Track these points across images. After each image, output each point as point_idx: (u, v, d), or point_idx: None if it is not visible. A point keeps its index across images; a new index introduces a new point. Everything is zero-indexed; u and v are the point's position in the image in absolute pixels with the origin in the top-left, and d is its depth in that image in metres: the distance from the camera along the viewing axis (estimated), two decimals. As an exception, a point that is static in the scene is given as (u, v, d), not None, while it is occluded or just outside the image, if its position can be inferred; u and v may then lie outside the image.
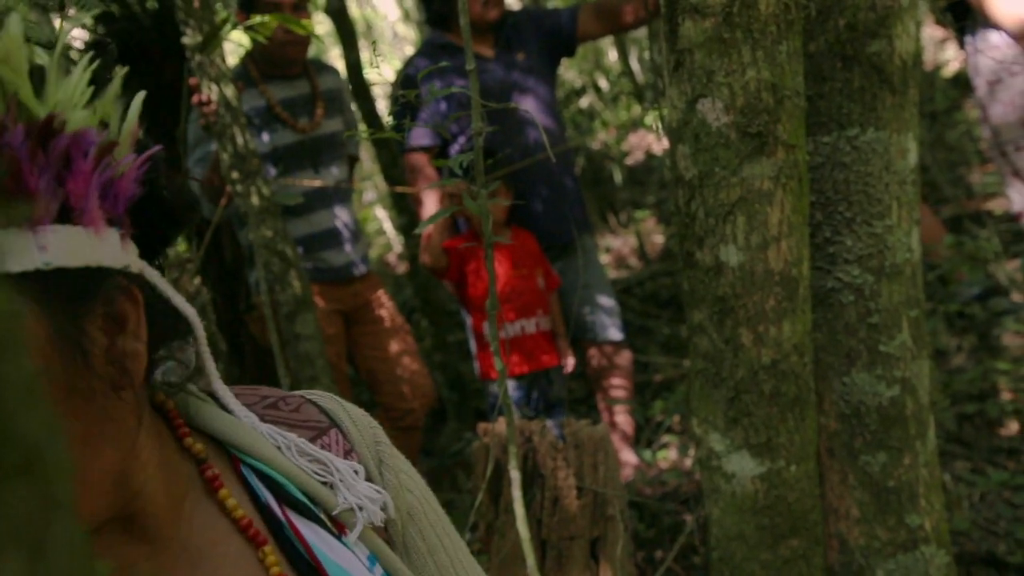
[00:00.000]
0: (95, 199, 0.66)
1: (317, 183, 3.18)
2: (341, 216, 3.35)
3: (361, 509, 0.82)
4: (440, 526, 0.92)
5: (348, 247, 3.35)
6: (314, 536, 0.79)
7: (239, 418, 0.81)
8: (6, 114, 0.61)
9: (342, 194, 3.37)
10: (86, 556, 0.30)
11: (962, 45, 4.13)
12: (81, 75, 0.66)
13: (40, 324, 0.62)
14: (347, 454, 0.86)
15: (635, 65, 6.79)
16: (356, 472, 0.84)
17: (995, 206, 4.79)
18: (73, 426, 0.63)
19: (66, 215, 0.65)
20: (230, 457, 0.80)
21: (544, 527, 1.90)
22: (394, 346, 3.43)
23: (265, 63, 3.30)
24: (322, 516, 0.81)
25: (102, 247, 0.67)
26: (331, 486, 0.82)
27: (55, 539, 0.28)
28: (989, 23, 3.78)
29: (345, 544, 0.80)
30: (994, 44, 3.82)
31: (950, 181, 5.23)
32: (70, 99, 0.65)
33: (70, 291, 0.64)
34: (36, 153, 0.62)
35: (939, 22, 4.29)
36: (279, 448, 0.81)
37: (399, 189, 4.16)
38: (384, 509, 0.84)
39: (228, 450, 0.80)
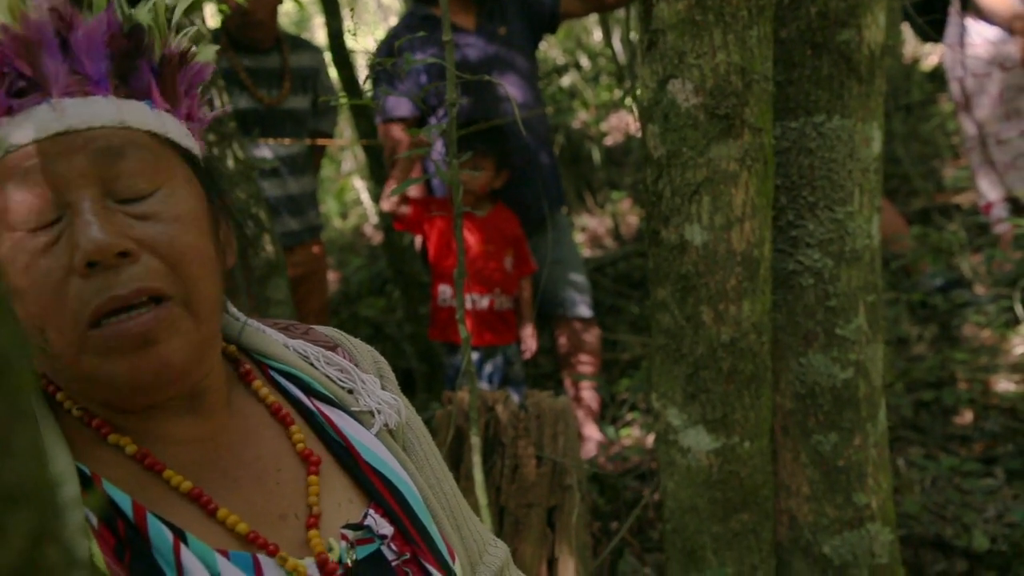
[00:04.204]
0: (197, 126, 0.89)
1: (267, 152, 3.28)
2: (291, 187, 3.44)
3: (379, 412, 0.94)
4: (429, 440, 1.04)
5: (290, 218, 3.44)
6: (341, 420, 0.91)
7: (270, 336, 0.95)
8: (163, 40, 0.84)
9: (294, 166, 3.45)
10: (42, 461, 0.33)
11: (926, 39, 4.18)
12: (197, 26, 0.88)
13: (199, 185, 0.83)
14: (355, 367, 0.97)
15: (617, 45, 6.79)
16: (374, 381, 0.96)
17: (963, 200, 4.86)
18: (212, 270, 0.81)
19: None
20: (259, 365, 0.94)
21: (503, 494, 1.94)
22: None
23: (237, 33, 3.35)
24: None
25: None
26: (351, 392, 0.94)
27: (19, 441, 0.30)
28: (980, 15, 3.83)
29: (367, 430, 0.92)
30: (987, 38, 3.86)
31: (922, 174, 5.30)
32: (196, 40, 0.88)
33: (206, 175, 0.86)
34: (180, 68, 0.85)
35: (907, 18, 4.33)
36: (308, 359, 0.95)
37: (366, 142, 4.16)
38: (398, 413, 0.96)
39: (256, 359, 0.94)
